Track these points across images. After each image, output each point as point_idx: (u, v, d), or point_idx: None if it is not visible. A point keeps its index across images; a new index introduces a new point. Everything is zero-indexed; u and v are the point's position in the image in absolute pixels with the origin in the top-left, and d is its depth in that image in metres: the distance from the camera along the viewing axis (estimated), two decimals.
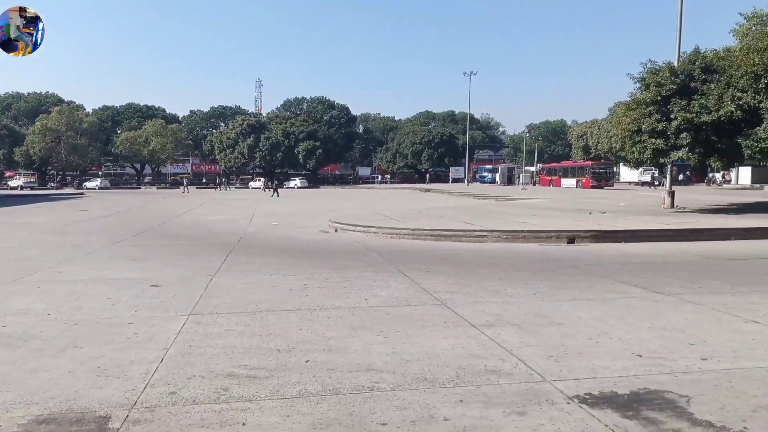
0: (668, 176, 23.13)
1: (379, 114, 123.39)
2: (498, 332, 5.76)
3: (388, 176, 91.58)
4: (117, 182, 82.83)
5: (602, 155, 61.97)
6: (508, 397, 4.09)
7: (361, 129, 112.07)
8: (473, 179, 78.10)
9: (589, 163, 58.78)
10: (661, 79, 19.53)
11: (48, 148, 76.25)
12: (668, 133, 19.11)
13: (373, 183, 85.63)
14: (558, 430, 3.58)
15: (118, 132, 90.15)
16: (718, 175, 59.94)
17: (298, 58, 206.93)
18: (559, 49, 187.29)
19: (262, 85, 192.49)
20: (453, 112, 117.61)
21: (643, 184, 57.47)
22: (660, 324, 6.10)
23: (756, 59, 17.47)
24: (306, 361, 4.86)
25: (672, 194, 22.38)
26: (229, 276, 9.12)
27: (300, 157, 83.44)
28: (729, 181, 59.21)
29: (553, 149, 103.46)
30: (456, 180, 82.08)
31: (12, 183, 74.18)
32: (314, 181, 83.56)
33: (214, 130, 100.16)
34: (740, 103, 17.85)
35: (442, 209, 23.71)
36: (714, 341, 5.43)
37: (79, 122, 78.95)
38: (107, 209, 28.88)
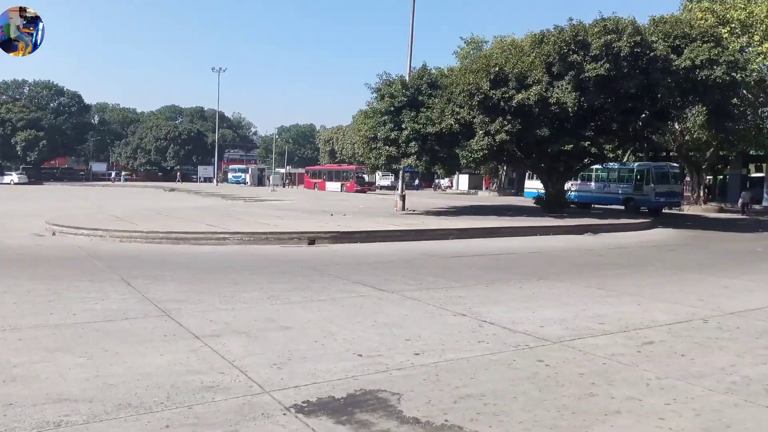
0: (401, 181, 25.17)
1: (118, 105, 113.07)
2: (223, 342, 5.43)
3: (127, 173, 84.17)
4: None
5: (347, 160, 65.27)
6: (222, 415, 3.80)
7: (96, 120, 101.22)
8: (224, 179, 76.05)
9: (354, 167, 59.98)
10: (394, 91, 21.18)
11: None
12: (400, 141, 20.80)
13: (110, 180, 77.90)
14: None
15: None
16: (443, 181, 67.52)
17: None
18: (310, 53, 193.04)
19: None
20: (202, 108, 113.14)
21: (389, 188, 61.09)
22: (383, 321, 6.40)
23: (470, 79, 19.93)
24: None
25: (403, 198, 24.41)
26: None
27: (18, 148, 72.21)
28: (451, 187, 67.14)
29: (302, 152, 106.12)
30: (206, 179, 79.10)
31: None
32: (37, 176, 72.89)
33: None
34: (458, 117, 20.18)
35: (186, 210, 22.44)
36: (427, 335, 5.84)
37: None
38: None
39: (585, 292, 8.44)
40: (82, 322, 6.08)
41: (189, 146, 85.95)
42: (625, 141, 23.04)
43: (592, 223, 19.94)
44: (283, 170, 79.43)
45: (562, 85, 19.47)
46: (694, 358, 5.27)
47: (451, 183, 67.22)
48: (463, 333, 5.97)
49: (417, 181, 66.03)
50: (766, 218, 29.29)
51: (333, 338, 5.66)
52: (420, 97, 21.49)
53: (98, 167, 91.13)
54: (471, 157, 20.54)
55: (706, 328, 6.45)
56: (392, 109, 21.15)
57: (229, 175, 78.03)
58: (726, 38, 21.78)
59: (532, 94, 19.09)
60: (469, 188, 62.78)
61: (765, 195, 38.27)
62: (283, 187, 64.25)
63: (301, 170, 76.90)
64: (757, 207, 34.18)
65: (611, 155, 23.27)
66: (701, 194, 36.02)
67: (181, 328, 5.91)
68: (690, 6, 28.03)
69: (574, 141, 20.47)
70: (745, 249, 15.39)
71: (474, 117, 20.02)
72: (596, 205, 30.21)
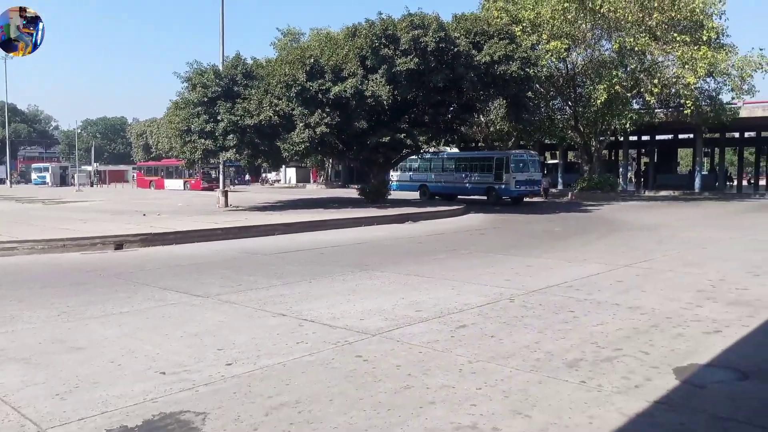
0: (222, 176, 24.09)
1: None
2: None
3: None
4: None
5: (163, 154, 61.25)
6: None
7: None
8: (19, 180, 67.25)
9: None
10: (207, 81, 20.11)
11: None
12: (216, 134, 19.83)
13: None
14: None
15: None
16: (271, 175, 66.38)
17: None
18: (115, 42, 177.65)
19: None
20: None
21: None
22: (193, 331, 5.87)
23: (286, 70, 19.56)
24: None
25: (226, 194, 23.39)
26: None
27: None
28: (279, 181, 66.29)
29: (113, 147, 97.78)
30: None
31: None
32: None
33: None
34: (277, 109, 19.73)
35: None
36: (242, 342, 5.45)
37: None
38: None
39: (404, 281, 8.59)
40: None
41: None
42: (437, 132, 24.29)
43: (412, 211, 20.73)
44: (90, 168, 72.43)
45: (376, 79, 19.91)
46: (502, 339, 5.51)
47: (279, 177, 66.35)
48: (282, 335, 5.68)
49: (248, 176, 63.91)
50: (562, 200, 32.84)
51: (133, 356, 5.04)
52: (236, 88, 20.66)
53: None
54: (293, 149, 20.21)
55: (512, 307, 6.84)
56: (206, 99, 20.08)
57: (33, 175, 69.05)
58: (519, 36, 23.85)
59: (348, 86, 19.26)
60: (297, 182, 62.48)
61: (559, 179, 43.04)
62: (91, 186, 58.62)
63: (112, 167, 70.66)
64: (553, 190, 38.20)
65: (425, 146, 24.39)
66: None
67: None
68: (488, 5, 30.37)
69: (391, 133, 21.08)
70: (545, 229, 16.96)
71: (293, 109, 19.71)
72: (461, 197, 29.41)
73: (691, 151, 43.66)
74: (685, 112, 28.59)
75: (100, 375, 4.57)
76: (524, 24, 27.41)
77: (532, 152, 30.43)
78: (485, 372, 4.58)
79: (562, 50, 27.45)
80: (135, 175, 62.40)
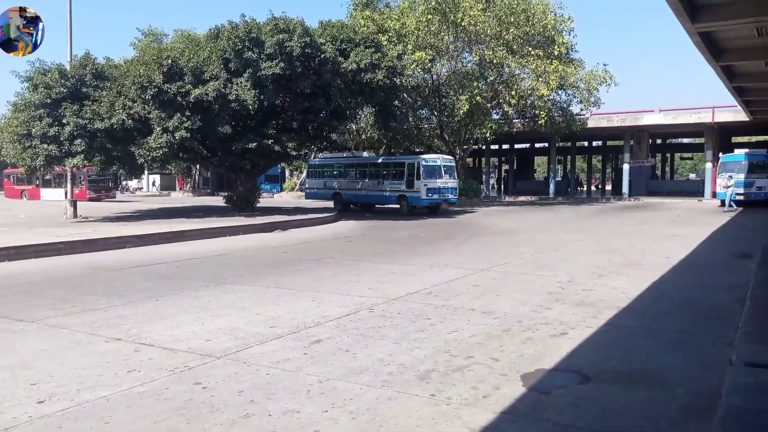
0: (69, 185, 21.99)
1: None
2: None
3: None
4: None
5: (8, 161, 55.11)
6: None
7: None
8: None
9: (87, 168, 46.64)
10: (51, 81, 18.29)
11: None
12: (62, 138, 18.06)
13: None
14: None
15: None
16: (132, 183, 62.22)
17: None
18: None
19: None
20: None
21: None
22: (5, 363, 5.07)
23: (141, 71, 18.29)
24: None
25: (74, 203, 21.39)
26: None
27: None
28: (141, 188, 62.32)
29: None
30: None
31: None
32: None
33: None
34: (131, 112, 18.38)
35: None
36: (63, 373, 4.77)
37: None
38: None
39: (263, 294, 8.16)
40: None
41: None
42: (306, 139, 23.93)
43: (282, 219, 20.19)
44: None
45: (241, 83, 19.20)
46: (357, 353, 5.29)
47: (142, 184, 62.35)
48: (112, 363, 5.05)
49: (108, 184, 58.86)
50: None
51: None
52: (84, 89, 18.98)
53: None
54: (149, 155, 18.89)
55: (371, 317, 6.67)
56: (49, 101, 18.22)
57: None
58: (386, 45, 24.18)
59: (210, 89, 18.38)
60: (161, 189, 59.04)
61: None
62: None
63: None
64: None
65: (294, 153, 23.89)
66: None
67: None
68: (355, 14, 30.58)
69: (258, 139, 20.41)
70: (412, 235, 17.18)
71: (149, 112, 18.46)
72: (378, 206, 27.52)
73: (547, 159, 46.81)
74: (540, 122, 30.52)
75: None
76: (390, 34, 27.87)
77: (447, 156, 27.32)
78: (335, 391, 4.32)
79: (427, 61, 28.21)
80: (3, 183, 53.08)
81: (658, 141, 51.36)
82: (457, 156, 34.24)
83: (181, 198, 45.99)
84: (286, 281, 9.17)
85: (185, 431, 3.66)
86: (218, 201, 32.26)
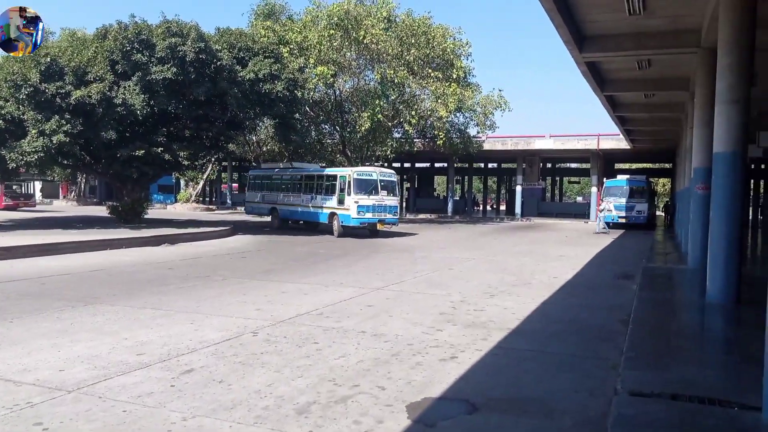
0: None
1: None
2: None
3: None
4: None
5: None
6: None
7: None
8: None
9: None
10: None
11: None
12: None
13: None
14: None
15: None
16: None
17: None
18: None
19: None
20: None
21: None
22: None
23: (16, 68, 16.72)
24: None
25: None
26: None
27: None
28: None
29: None
30: None
31: None
32: None
33: None
34: (3, 112, 16.76)
35: None
36: None
37: None
38: None
39: (136, 315, 7.43)
40: None
41: None
42: (201, 149, 22.87)
43: (171, 232, 19.02)
44: None
45: (129, 86, 18.02)
46: (231, 384, 4.82)
47: (23, 192, 57.19)
48: None
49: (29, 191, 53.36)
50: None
51: None
52: None
53: None
54: (22, 159, 17.24)
55: (254, 342, 6.20)
56: None
57: None
58: (287, 57, 23.71)
59: (93, 91, 17.07)
60: (43, 197, 54.55)
61: None
62: None
63: None
64: None
65: (187, 162, 22.73)
66: None
67: None
68: (255, 23, 29.89)
69: (147, 146, 19.21)
70: (310, 251, 16.70)
71: (24, 113, 16.87)
72: (309, 222, 24.09)
73: (446, 178, 47.94)
74: (438, 142, 31.12)
75: None
76: (291, 46, 27.45)
77: (386, 170, 23.24)
78: (200, 431, 3.85)
79: (329, 76, 28.02)
80: None
81: (549, 165, 54.11)
82: None
83: (64, 207, 42.90)
84: (164, 301, 8.46)
85: None
86: (104, 211, 30.20)
